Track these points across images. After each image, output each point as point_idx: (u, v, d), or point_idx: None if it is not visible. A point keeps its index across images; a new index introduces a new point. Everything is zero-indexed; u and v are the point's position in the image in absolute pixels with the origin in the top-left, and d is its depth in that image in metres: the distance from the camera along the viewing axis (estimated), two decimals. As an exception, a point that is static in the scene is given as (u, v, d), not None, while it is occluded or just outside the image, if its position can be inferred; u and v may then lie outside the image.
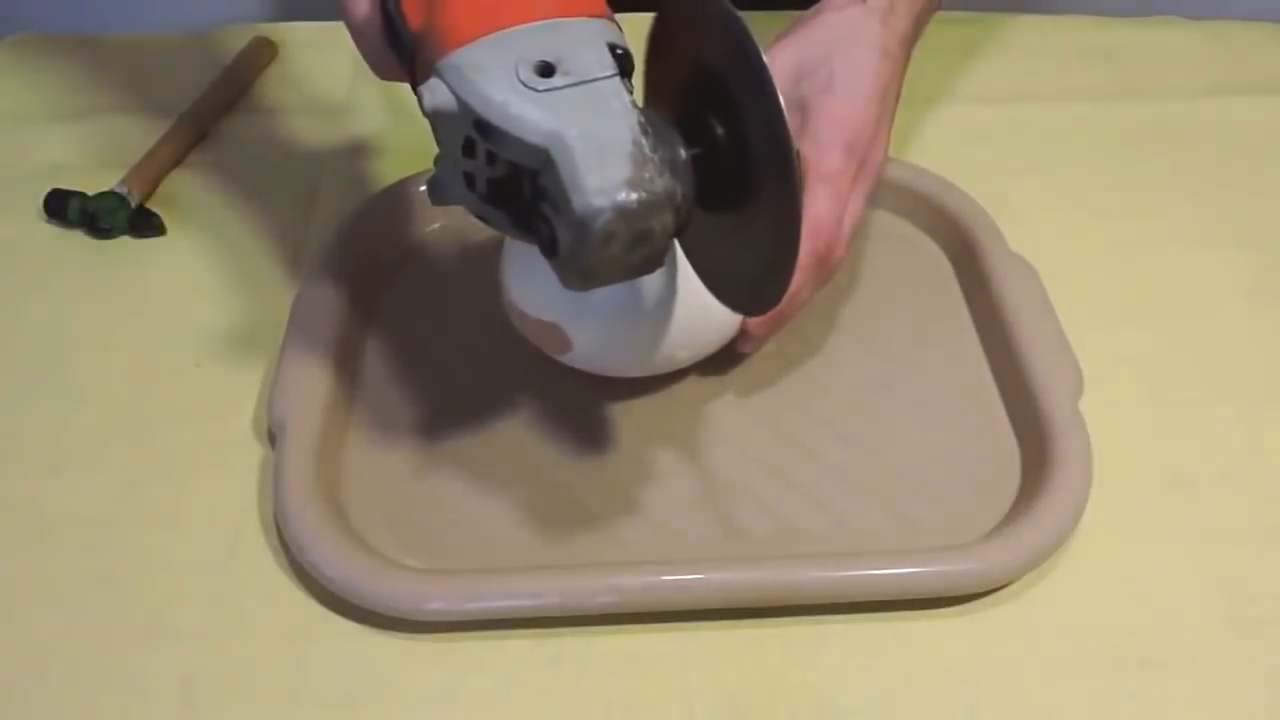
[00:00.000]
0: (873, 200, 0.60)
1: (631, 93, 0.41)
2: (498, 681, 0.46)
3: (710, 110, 0.42)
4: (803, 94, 0.55)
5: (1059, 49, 0.80)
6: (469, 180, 0.43)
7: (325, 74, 0.78)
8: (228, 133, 0.73)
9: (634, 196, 0.39)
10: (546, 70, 0.40)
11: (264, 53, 0.79)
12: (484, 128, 0.40)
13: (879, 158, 0.56)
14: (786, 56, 0.56)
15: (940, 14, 0.62)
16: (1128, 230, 0.66)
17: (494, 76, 0.40)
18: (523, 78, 0.40)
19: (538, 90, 0.40)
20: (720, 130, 0.42)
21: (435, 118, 0.42)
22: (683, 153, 0.42)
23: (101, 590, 0.49)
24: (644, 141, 0.40)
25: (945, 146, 0.71)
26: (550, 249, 0.41)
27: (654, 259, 0.42)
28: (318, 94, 0.76)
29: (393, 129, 0.73)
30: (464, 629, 0.48)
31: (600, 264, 0.40)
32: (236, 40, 0.79)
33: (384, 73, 0.49)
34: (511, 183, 0.42)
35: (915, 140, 0.72)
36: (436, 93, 0.41)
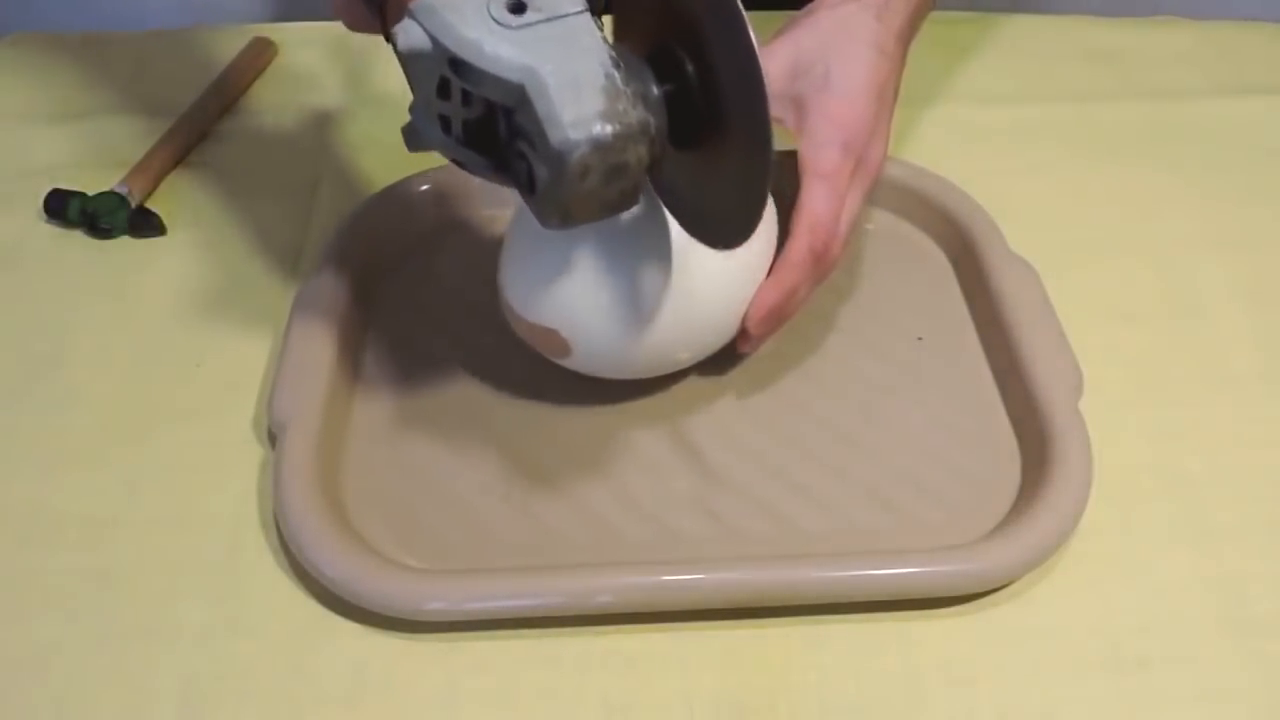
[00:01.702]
0: (872, 200, 0.60)
1: (602, 29, 0.42)
2: (498, 682, 0.46)
3: (681, 47, 0.43)
4: (799, 92, 0.55)
5: (1059, 49, 0.80)
6: (445, 124, 0.44)
7: (325, 74, 0.78)
8: (227, 133, 0.73)
9: (609, 129, 0.40)
10: (518, 7, 0.41)
11: (263, 53, 0.79)
12: (459, 66, 0.41)
13: (877, 155, 0.56)
14: (782, 54, 0.56)
15: (940, 13, 0.62)
16: (1128, 230, 0.67)
17: (467, 15, 0.41)
18: (495, 15, 0.41)
19: (510, 27, 0.41)
20: (691, 67, 0.43)
21: (409, 59, 0.42)
22: (655, 89, 0.43)
23: (101, 590, 0.49)
24: (616, 75, 0.41)
25: (945, 146, 0.71)
26: (529, 186, 0.42)
27: (630, 193, 0.43)
28: (317, 94, 0.76)
29: (392, 129, 0.72)
30: (464, 629, 0.48)
31: (578, 199, 0.41)
32: (236, 40, 0.79)
33: (354, 24, 0.49)
34: (487, 124, 0.43)
35: (914, 140, 0.72)
36: (411, 33, 0.42)
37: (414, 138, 0.45)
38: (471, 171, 0.45)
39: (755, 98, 0.41)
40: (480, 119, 0.43)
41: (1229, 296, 0.62)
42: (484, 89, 0.41)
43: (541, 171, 0.41)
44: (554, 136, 0.40)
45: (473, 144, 0.44)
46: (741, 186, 0.44)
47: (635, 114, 0.40)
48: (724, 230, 0.46)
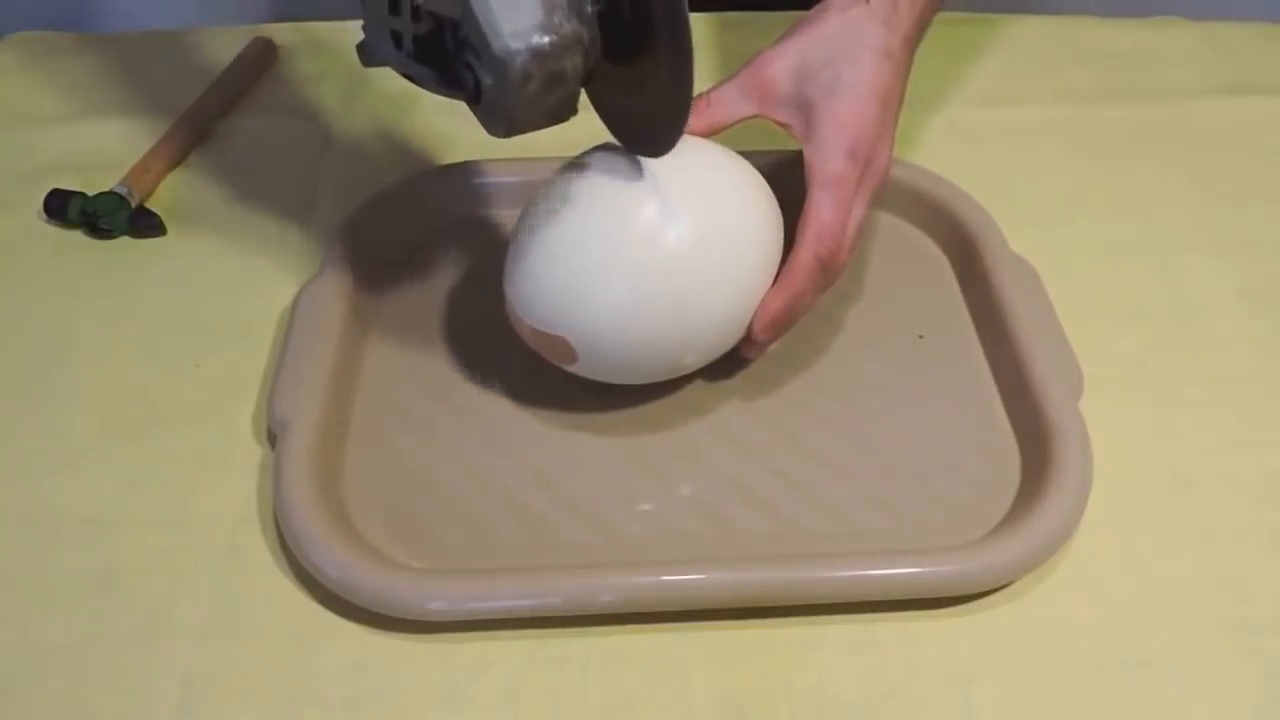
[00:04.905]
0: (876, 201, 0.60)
1: None
2: (499, 682, 0.46)
3: None
4: (806, 96, 0.55)
5: (1059, 49, 0.80)
6: (396, 39, 0.48)
7: (325, 74, 0.78)
8: (228, 133, 0.73)
9: (546, 39, 0.44)
10: None
11: (264, 53, 0.79)
12: None
13: (884, 160, 0.56)
14: (789, 57, 0.56)
15: (941, 14, 0.62)
16: (1127, 230, 0.67)
17: None
18: None
19: None
20: None
21: None
22: (589, 6, 0.46)
23: (101, 590, 0.49)
24: None
25: (945, 146, 0.71)
26: (475, 95, 0.46)
27: (568, 101, 0.47)
28: (317, 94, 0.76)
29: (392, 129, 0.73)
30: (465, 629, 0.48)
31: (520, 106, 0.46)
32: (236, 40, 0.79)
33: None
34: (435, 39, 0.47)
35: (916, 141, 0.72)
36: None
37: (368, 53, 0.49)
38: (421, 85, 0.48)
39: (677, 17, 0.45)
40: (429, 34, 0.47)
41: (1229, 296, 0.62)
42: (431, 3, 0.44)
43: (486, 80, 0.45)
44: (496, 46, 0.44)
45: (423, 59, 0.48)
46: (667, 99, 0.48)
47: (570, 26, 0.45)
48: (652, 140, 0.50)
